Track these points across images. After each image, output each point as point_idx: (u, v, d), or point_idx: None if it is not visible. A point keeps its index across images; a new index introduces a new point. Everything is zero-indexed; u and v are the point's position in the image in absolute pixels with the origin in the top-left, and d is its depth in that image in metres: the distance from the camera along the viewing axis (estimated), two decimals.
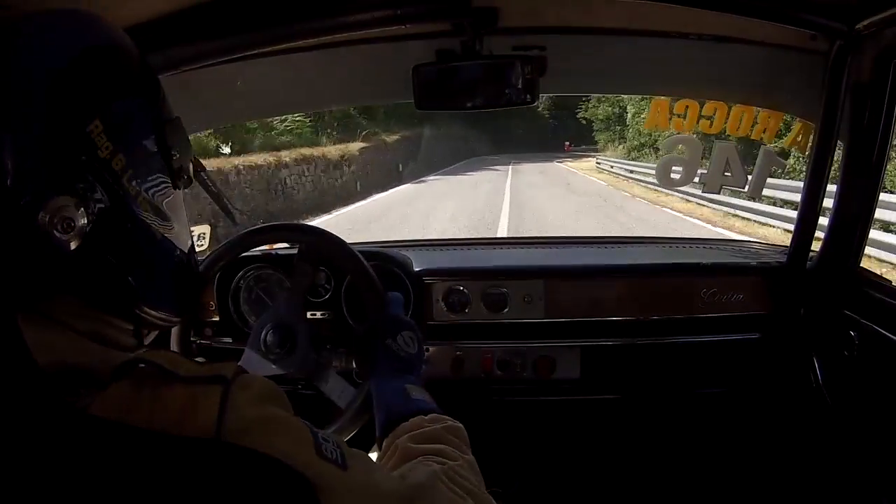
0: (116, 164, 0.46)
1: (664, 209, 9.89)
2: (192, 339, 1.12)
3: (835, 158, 1.14)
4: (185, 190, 0.57)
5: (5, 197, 0.40)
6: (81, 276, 0.45)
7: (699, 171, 1.30)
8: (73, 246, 0.43)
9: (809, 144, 1.17)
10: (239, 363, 0.51)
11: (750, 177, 1.26)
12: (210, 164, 8.50)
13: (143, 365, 0.39)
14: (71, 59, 0.45)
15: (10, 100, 0.42)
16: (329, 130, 14.69)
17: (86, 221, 0.43)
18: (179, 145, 0.54)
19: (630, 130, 20.07)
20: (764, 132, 1.21)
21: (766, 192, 4.19)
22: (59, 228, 0.42)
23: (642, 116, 15.80)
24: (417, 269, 1.29)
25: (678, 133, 1.31)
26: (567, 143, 34.02)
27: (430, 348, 1.29)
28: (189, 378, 0.39)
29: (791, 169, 6.64)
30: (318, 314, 1.26)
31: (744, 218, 8.18)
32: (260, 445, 0.38)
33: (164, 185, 0.52)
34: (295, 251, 1.09)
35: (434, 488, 0.49)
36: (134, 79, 0.51)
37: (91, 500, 0.33)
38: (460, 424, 0.66)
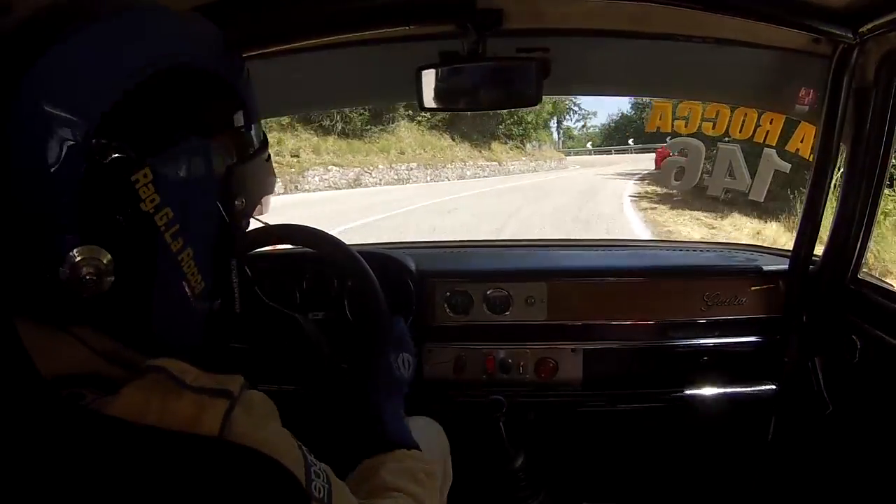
0: (160, 220, 0.40)
1: None
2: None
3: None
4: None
5: (27, 233, 0.37)
6: (102, 316, 0.41)
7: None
8: (92, 290, 0.39)
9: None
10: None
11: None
12: None
13: (153, 372, 0.38)
14: (136, 85, 0.38)
15: (52, 126, 0.36)
16: None
17: (110, 272, 0.39)
18: (248, 190, 0.46)
19: None
20: (766, 135, 1.21)
21: None
22: (79, 274, 0.38)
23: None
24: (420, 271, 1.28)
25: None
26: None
27: (433, 349, 1.28)
28: (196, 388, 0.38)
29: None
30: (320, 315, 1.25)
31: None
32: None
33: (217, 235, 0.45)
34: (293, 250, 1.07)
35: None
36: (210, 113, 0.43)
37: (97, 494, 0.34)
38: (436, 469, 0.67)
